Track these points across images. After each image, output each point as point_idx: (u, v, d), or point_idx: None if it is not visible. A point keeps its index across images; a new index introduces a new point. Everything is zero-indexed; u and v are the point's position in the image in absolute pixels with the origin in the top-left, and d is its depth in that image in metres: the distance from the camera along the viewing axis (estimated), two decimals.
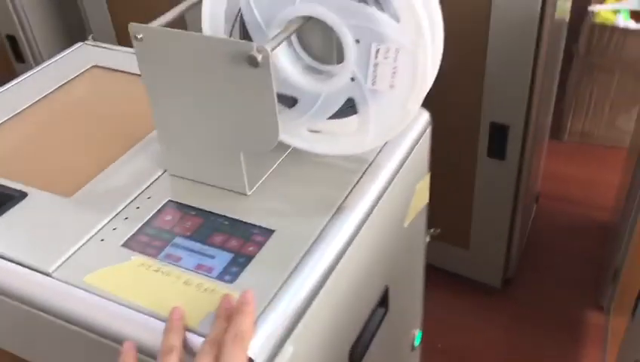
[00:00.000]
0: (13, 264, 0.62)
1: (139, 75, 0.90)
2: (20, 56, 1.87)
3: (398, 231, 0.81)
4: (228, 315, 0.54)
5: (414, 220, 0.85)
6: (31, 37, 1.90)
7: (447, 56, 1.48)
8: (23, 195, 0.71)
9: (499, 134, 1.53)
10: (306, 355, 0.61)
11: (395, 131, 0.66)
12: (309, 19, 0.64)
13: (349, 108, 0.67)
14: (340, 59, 0.66)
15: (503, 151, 1.56)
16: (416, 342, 1.02)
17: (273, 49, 0.58)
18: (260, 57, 0.57)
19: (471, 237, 1.76)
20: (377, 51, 0.60)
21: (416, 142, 0.79)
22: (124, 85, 0.91)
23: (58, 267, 0.62)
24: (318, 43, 0.68)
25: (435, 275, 1.83)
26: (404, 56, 0.60)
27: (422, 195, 0.86)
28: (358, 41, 0.61)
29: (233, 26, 0.68)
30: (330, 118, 0.68)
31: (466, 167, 1.61)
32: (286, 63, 0.67)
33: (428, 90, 0.65)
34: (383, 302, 0.80)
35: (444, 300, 1.81)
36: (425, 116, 0.81)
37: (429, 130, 0.82)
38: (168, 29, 0.61)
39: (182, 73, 0.64)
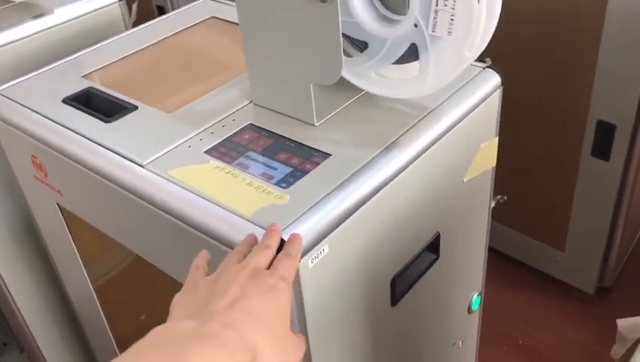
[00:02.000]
0: (116, 155, 0.76)
1: None
2: None
3: (455, 183, 0.86)
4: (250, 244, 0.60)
5: (477, 180, 0.90)
6: (177, 6, 2.13)
7: (558, 51, 1.48)
8: (134, 107, 0.85)
9: (605, 133, 1.50)
10: (342, 259, 0.69)
11: (452, 76, 0.72)
12: None
13: (411, 54, 0.74)
14: None
15: (607, 152, 1.52)
16: (474, 306, 1.05)
17: None
18: None
19: (567, 239, 1.72)
20: None
21: (483, 100, 0.83)
22: (234, 34, 1.04)
23: (150, 161, 0.75)
24: None
25: (527, 273, 1.83)
26: (461, 4, 0.66)
27: (487, 157, 0.90)
28: None
29: None
30: (395, 63, 0.75)
31: (568, 165, 1.59)
32: (361, 10, 0.75)
33: (487, 41, 0.70)
34: (434, 247, 0.86)
35: (533, 299, 1.79)
36: (495, 79, 0.86)
37: (498, 93, 0.86)
38: None
39: (268, 12, 0.74)
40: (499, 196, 1.00)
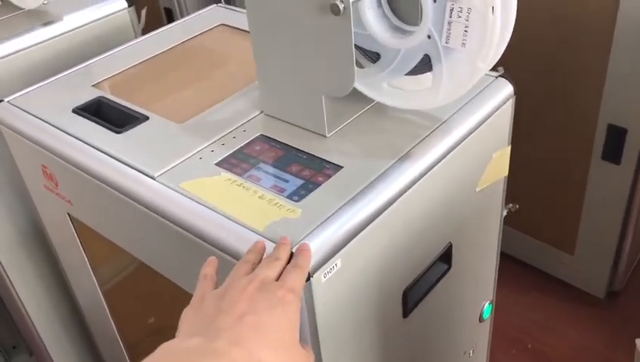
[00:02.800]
0: (127, 166, 0.76)
1: None
2: None
3: (467, 194, 0.85)
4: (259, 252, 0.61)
5: (489, 189, 0.89)
6: (184, 9, 2.13)
7: (569, 54, 1.47)
8: (145, 118, 0.85)
9: (616, 137, 1.49)
10: (354, 274, 0.68)
11: (465, 88, 0.71)
12: None
13: (424, 65, 0.73)
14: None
15: (618, 156, 1.51)
16: (485, 315, 1.05)
17: (355, 1, 0.66)
18: (342, 6, 0.65)
19: (577, 243, 1.71)
20: (452, 10, 0.66)
21: (496, 109, 0.83)
22: (243, 42, 1.04)
23: (162, 173, 0.74)
24: (406, 4, 0.75)
25: (536, 277, 1.82)
26: (475, 16, 0.65)
27: (499, 166, 0.89)
28: (435, 0, 0.67)
29: None
30: (408, 74, 0.75)
31: (578, 168, 1.58)
32: (374, 21, 0.74)
33: (501, 52, 0.70)
34: (446, 258, 0.85)
35: (543, 302, 1.78)
36: (508, 88, 0.85)
37: (510, 103, 0.86)
38: None
39: (280, 22, 0.74)
40: (510, 205, 0.99)
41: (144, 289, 1.03)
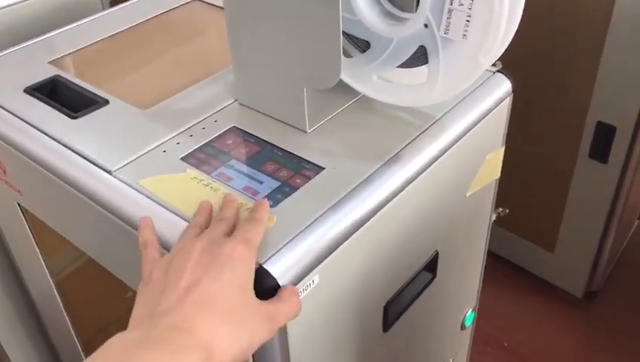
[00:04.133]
0: (81, 158, 0.67)
1: None
2: None
3: (457, 199, 0.78)
4: (207, 214, 0.57)
5: (479, 193, 0.82)
6: None
7: (559, 49, 1.41)
8: (105, 102, 0.76)
9: (604, 135, 1.44)
10: (333, 290, 0.61)
11: (464, 85, 0.64)
12: None
13: (419, 57, 0.66)
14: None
15: (606, 154, 1.47)
16: (467, 322, 0.99)
17: None
18: None
19: (558, 241, 1.68)
20: None
21: (492, 108, 0.76)
22: (217, 20, 0.95)
23: (119, 168, 0.66)
24: None
25: (514, 273, 1.78)
26: (480, 5, 0.57)
27: (492, 168, 0.83)
28: None
29: None
30: (400, 66, 0.67)
31: (564, 165, 1.53)
32: (364, 6, 0.66)
33: (505, 46, 0.63)
34: (431, 267, 0.78)
35: (520, 300, 1.74)
36: (506, 85, 0.78)
37: (508, 100, 0.79)
38: None
39: (259, 4, 0.65)
40: (500, 209, 0.93)
41: (97, 281, 0.94)
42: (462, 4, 0.58)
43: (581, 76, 1.40)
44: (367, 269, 0.65)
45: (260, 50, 0.69)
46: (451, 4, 0.59)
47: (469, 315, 0.99)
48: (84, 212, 0.67)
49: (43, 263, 0.91)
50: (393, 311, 0.73)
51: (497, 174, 0.86)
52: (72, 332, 1.01)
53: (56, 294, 0.96)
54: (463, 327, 0.99)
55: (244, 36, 0.69)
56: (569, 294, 1.72)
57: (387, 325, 0.73)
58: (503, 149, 0.83)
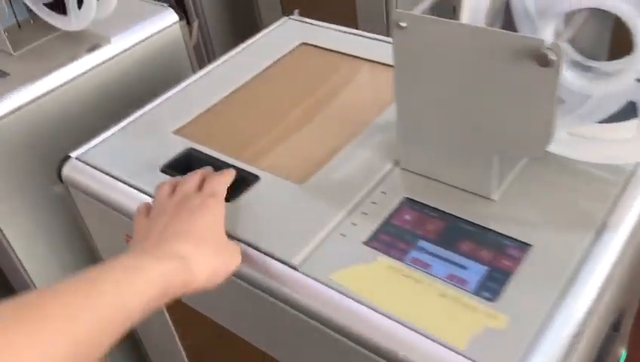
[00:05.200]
0: (260, 253, 0.61)
1: (350, 55, 0.87)
2: None
3: None
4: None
5: None
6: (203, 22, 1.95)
7: None
8: (255, 178, 0.70)
9: None
10: None
11: None
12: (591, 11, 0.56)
13: (623, 112, 0.59)
14: (611, 55, 0.58)
15: None
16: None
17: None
18: (552, 56, 0.51)
19: None
20: None
21: None
22: (337, 66, 0.88)
23: (304, 261, 0.60)
24: (589, 36, 0.61)
25: None
26: None
27: None
28: None
29: (496, 15, 0.61)
30: (600, 121, 0.61)
31: None
32: None
33: None
34: (617, 326, 0.72)
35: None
36: None
37: None
38: (439, 18, 0.56)
39: (443, 65, 0.58)
40: None
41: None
42: None
43: None
44: (588, 348, 0.59)
45: (439, 114, 0.62)
46: None
47: (622, 355, 0.93)
48: (265, 312, 0.61)
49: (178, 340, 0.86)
50: None
51: None
52: None
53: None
54: None
55: (418, 99, 0.63)
56: None
57: None
58: None
